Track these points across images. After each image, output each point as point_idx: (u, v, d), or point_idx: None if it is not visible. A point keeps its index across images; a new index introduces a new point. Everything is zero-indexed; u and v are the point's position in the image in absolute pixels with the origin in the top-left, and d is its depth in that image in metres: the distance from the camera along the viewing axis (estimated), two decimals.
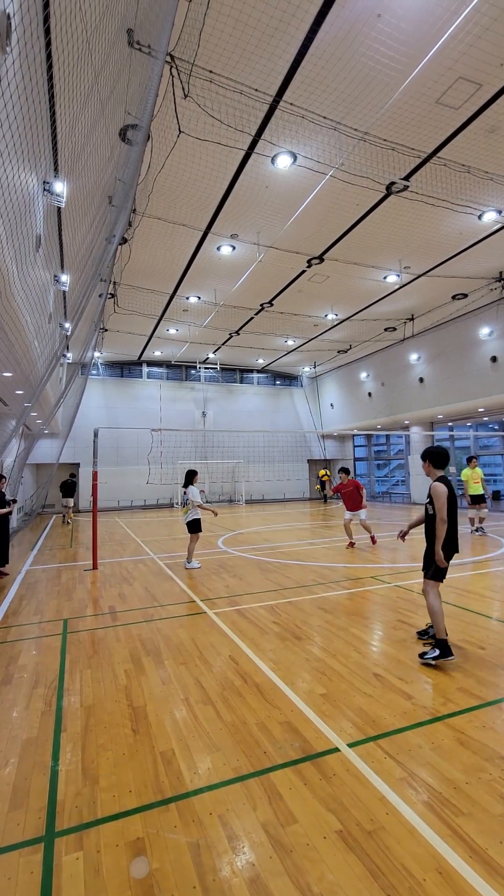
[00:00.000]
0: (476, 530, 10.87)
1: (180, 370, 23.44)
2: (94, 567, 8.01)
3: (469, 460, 11.18)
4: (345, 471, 10.10)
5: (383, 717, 2.95)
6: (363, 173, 8.01)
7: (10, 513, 8.95)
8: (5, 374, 8.51)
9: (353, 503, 9.69)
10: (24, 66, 3.75)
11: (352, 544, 9.64)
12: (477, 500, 10.88)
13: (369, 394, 20.90)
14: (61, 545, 11.13)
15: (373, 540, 9.79)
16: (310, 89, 6.37)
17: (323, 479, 22.66)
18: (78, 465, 20.13)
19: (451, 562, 3.84)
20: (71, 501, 16.08)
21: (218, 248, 10.97)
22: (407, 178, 8.23)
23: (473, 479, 10.90)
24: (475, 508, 10.86)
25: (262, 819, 2.12)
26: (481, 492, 10.90)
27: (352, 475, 10.11)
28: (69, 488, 16.01)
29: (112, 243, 7.02)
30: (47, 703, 3.29)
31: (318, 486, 22.96)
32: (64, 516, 16.31)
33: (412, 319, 16.35)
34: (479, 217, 9.61)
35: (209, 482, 22.83)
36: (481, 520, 10.89)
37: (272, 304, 14.66)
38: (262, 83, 6.25)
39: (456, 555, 3.88)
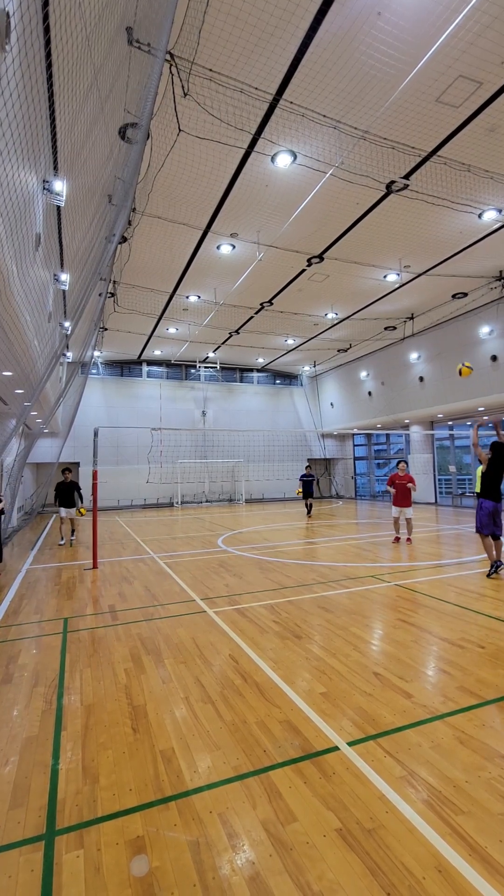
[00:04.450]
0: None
1: (180, 369, 23.43)
2: (94, 566, 8.01)
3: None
4: (405, 462, 10.30)
5: (383, 716, 2.95)
6: (363, 172, 8.00)
7: (2, 511, 8.89)
8: (5, 374, 8.51)
9: (406, 499, 9.84)
10: (24, 64, 3.74)
11: (397, 539, 9.91)
12: None
13: (369, 393, 20.89)
14: (62, 544, 11.13)
15: (409, 539, 9.92)
16: (310, 87, 6.35)
17: (307, 473, 16.12)
18: (78, 464, 20.12)
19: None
20: (73, 512, 10.73)
21: (218, 247, 10.96)
22: (407, 176, 8.21)
23: None
24: None
25: (262, 817, 2.12)
26: None
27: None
28: (66, 493, 10.65)
29: (112, 242, 7.01)
30: (47, 702, 3.29)
31: (299, 491, 16.21)
32: (62, 532, 10.95)
33: (412, 318, 16.34)
34: (479, 216, 9.60)
35: (209, 481, 22.84)
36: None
37: (272, 304, 14.64)
38: (262, 81, 6.24)
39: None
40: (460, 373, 9.32)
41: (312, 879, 1.80)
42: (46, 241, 8.10)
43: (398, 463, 10.32)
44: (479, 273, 12.67)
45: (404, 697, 3.19)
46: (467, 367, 9.19)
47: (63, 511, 10.81)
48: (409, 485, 9.88)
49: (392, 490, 10.03)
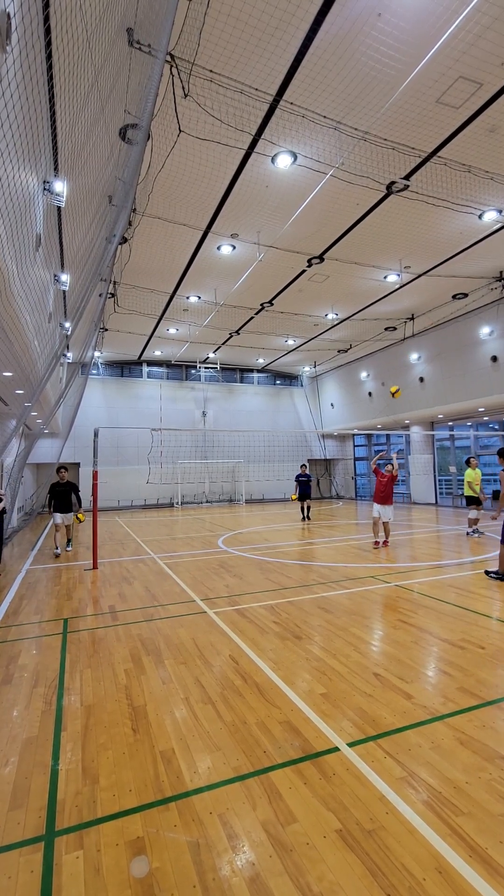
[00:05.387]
0: (475, 532, 10.88)
1: (180, 370, 23.44)
2: (95, 567, 8.01)
3: (469, 461, 11.21)
4: (391, 464, 9.54)
5: (383, 717, 2.95)
6: (363, 173, 8.01)
7: (4, 510, 8.83)
8: (5, 374, 8.51)
9: (386, 496, 9.28)
10: (25, 65, 3.74)
11: (377, 543, 9.43)
12: (475, 501, 10.91)
13: (369, 393, 20.89)
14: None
15: (385, 543, 9.49)
16: (310, 88, 6.36)
17: (304, 473, 14.75)
18: (78, 464, 20.12)
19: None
20: (70, 518, 9.45)
21: (218, 248, 10.97)
22: (407, 177, 8.22)
23: (476, 481, 10.94)
24: (475, 509, 10.86)
25: (262, 818, 2.12)
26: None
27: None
28: (62, 496, 9.31)
29: (112, 243, 7.02)
30: (47, 703, 3.29)
31: (295, 496, 14.63)
32: (56, 541, 9.40)
33: (412, 319, 16.35)
34: (480, 216, 9.60)
35: (209, 482, 22.83)
36: (476, 521, 10.93)
37: (272, 304, 14.65)
38: (263, 82, 6.24)
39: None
40: (393, 394, 10.32)
41: (313, 880, 1.79)
42: (47, 241, 8.10)
43: (386, 464, 9.75)
44: (480, 274, 12.67)
45: (404, 698, 3.19)
46: (396, 391, 10.25)
47: (59, 517, 9.32)
48: (391, 468, 9.34)
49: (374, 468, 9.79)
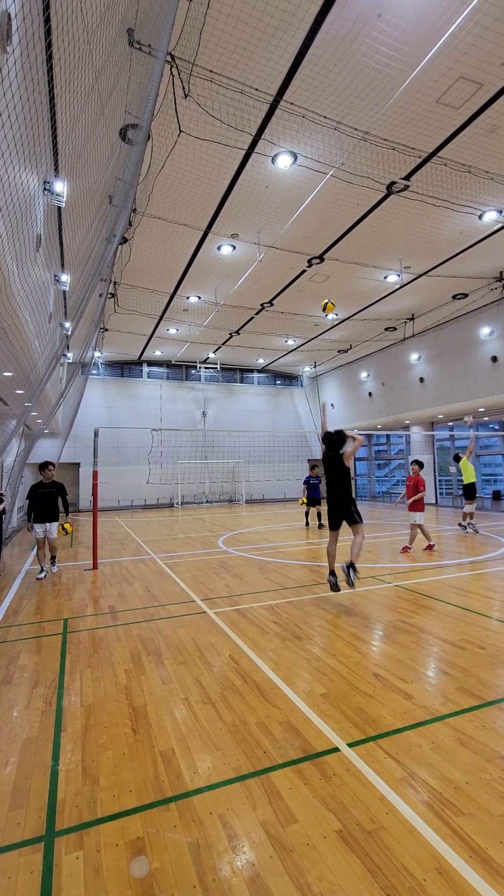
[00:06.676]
0: (469, 526, 10.95)
1: (180, 370, 23.45)
2: (95, 567, 8.01)
3: (458, 456, 11.40)
4: (418, 464, 8.91)
5: (383, 717, 2.95)
6: (364, 173, 8.01)
7: (4, 510, 8.81)
8: (6, 374, 8.51)
9: (412, 502, 8.73)
10: (25, 65, 3.74)
11: (406, 549, 8.71)
12: (471, 496, 11.02)
13: (370, 393, 20.89)
14: (62, 545, 11.12)
15: (405, 549, 8.72)
16: (310, 89, 6.36)
17: (314, 475, 12.98)
18: (78, 464, 20.12)
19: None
20: (54, 529, 7.59)
21: (218, 248, 10.97)
22: (407, 177, 8.22)
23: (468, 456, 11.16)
24: (470, 504, 10.96)
25: (262, 819, 2.12)
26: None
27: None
28: (46, 500, 7.50)
29: (112, 243, 7.02)
30: (47, 703, 3.29)
31: (302, 500, 13.32)
32: (39, 559, 7.53)
33: (412, 319, 16.35)
34: (480, 217, 9.60)
35: (209, 482, 22.83)
36: (471, 516, 11.04)
37: (272, 304, 14.65)
38: (263, 83, 6.24)
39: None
40: (325, 308, 10.24)
41: (313, 881, 1.79)
42: (47, 241, 8.10)
43: (413, 463, 9.12)
44: (480, 274, 12.67)
45: (405, 698, 3.19)
46: (331, 304, 10.18)
47: (39, 528, 7.37)
48: (413, 486, 8.86)
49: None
